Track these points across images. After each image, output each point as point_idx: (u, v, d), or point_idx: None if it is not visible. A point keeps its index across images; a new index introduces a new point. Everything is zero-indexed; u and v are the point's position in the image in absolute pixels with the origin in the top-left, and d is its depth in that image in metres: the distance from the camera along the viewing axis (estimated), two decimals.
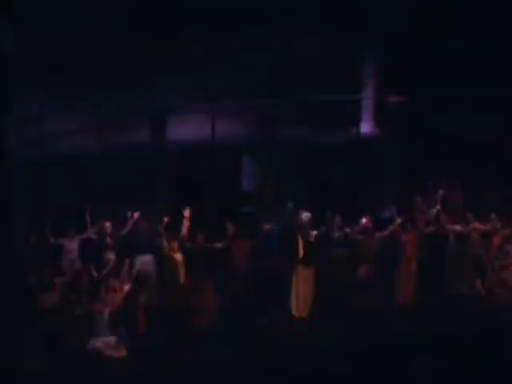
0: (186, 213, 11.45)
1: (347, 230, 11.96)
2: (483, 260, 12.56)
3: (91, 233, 11.84)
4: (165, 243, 11.32)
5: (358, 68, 15.11)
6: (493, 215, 12.61)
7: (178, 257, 11.38)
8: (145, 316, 10.58)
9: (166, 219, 11.49)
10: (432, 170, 14.01)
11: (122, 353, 9.96)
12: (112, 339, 10.05)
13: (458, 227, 12.64)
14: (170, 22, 14.54)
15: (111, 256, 11.19)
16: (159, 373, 9.62)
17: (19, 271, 10.83)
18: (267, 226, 11.81)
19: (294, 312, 11.47)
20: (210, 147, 14.20)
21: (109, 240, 11.57)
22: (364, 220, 12.01)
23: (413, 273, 11.97)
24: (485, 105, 14.20)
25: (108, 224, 11.71)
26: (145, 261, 11.55)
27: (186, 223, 11.44)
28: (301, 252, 11.51)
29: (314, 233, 11.70)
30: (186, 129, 14.37)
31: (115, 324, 10.18)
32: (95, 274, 11.02)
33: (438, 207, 12.57)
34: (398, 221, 12.08)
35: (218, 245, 11.58)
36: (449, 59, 14.38)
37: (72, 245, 11.76)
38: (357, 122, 15.24)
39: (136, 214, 11.77)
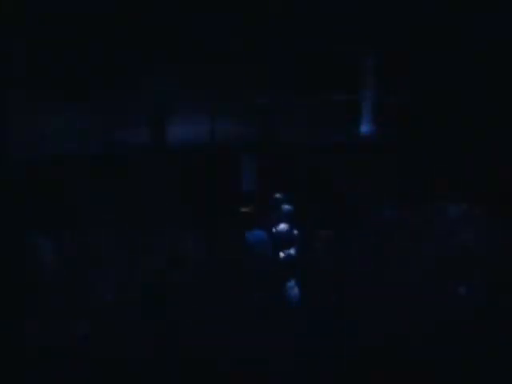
0: None
1: None
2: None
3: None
4: None
5: (357, 68, 15.10)
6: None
7: None
8: None
9: None
10: (432, 169, 14.03)
11: None
12: None
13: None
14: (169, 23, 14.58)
15: None
16: None
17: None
18: None
19: None
20: (209, 147, 14.22)
21: None
22: None
23: None
24: (486, 103, 14.22)
25: None
26: None
27: None
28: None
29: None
30: (186, 129, 14.40)
31: None
32: None
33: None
34: None
35: None
36: (448, 59, 14.41)
37: None
38: (357, 122, 15.23)
39: None
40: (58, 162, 13.42)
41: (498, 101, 14.26)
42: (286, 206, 11.87)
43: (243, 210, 13.89)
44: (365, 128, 15.24)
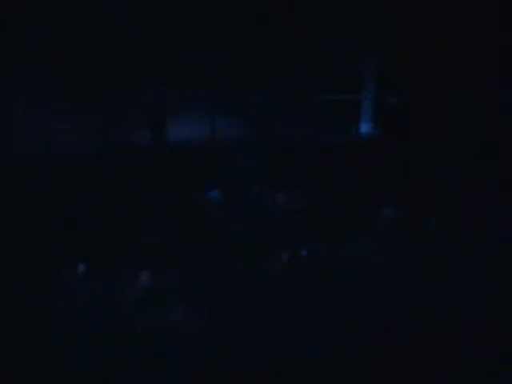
0: None
1: None
2: None
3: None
4: None
5: (357, 68, 15.12)
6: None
7: None
8: None
9: None
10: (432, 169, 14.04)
11: None
12: None
13: None
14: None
15: None
16: None
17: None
18: None
19: None
20: (209, 147, 14.23)
21: None
22: None
23: None
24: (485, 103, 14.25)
25: None
26: None
27: None
28: None
29: None
30: (186, 129, 14.41)
31: None
32: None
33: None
34: None
35: None
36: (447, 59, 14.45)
37: None
38: (357, 122, 15.25)
39: None
40: (59, 162, 13.42)
41: (498, 101, 14.29)
42: None
43: None
44: (365, 128, 15.26)
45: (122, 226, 12.22)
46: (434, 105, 14.54)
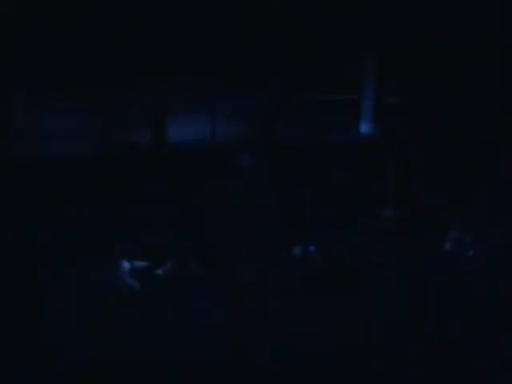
0: None
1: None
2: None
3: None
4: None
5: (357, 68, 15.13)
6: None
7: None
8: None
9: None
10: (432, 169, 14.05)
11: None
12: None
13: None
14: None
15: None
16: None
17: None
18: None
19: None
20: (209, 147, 14.24)
21: None
22: None
23: None
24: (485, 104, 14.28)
25: None
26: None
27: None
28: None
29: None
30: (186, 129, 14.42)
31: None
32: None
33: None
34: None
35: None
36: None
37: None
38: (357, 122, 15.25)
39: None
40: (59, 162, 13.43)
41: (498, 101, 14.32)
42: None
43: None
44: (365, 128, 15.27)
45: (121, 226, 12.24)
46: (433, 105, 14.55)
